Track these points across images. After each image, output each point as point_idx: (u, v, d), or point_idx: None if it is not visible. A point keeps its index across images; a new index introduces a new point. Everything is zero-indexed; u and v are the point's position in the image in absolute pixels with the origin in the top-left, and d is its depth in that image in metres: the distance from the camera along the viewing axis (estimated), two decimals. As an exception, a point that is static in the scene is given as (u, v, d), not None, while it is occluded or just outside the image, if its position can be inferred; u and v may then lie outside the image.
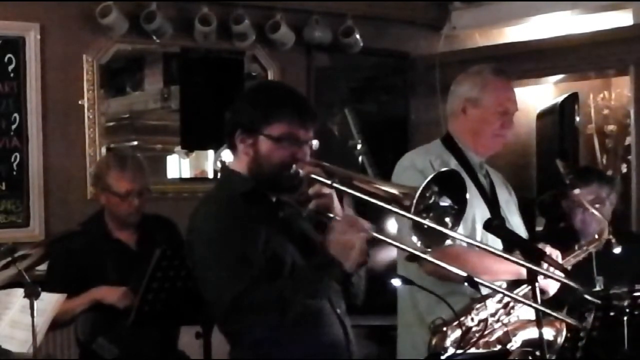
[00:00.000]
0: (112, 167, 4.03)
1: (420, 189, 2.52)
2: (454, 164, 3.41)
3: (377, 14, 6.20)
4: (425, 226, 2.54)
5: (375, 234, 2.61)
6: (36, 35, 5.13)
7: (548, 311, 2.64)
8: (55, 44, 5.22)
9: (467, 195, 2.64)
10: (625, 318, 3.18)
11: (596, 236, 3.67)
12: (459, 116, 3.52)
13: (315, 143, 2.78)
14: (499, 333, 3.13)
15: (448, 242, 3.18)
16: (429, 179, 2.56)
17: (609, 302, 3.21)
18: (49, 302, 3.45)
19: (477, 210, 3.36)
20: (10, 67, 5.09)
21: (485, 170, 3.58)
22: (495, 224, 2.86)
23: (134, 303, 3.65)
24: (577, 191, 3.77)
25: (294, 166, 2.72)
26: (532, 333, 3.07)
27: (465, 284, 2.69)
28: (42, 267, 3.94)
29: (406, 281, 2.74)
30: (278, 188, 2.78)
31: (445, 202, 2.59)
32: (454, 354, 2.65)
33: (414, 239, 2.55)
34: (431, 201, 2.58)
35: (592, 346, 3.28)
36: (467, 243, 3.23)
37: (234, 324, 2.64)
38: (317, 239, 2.81)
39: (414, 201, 2.51)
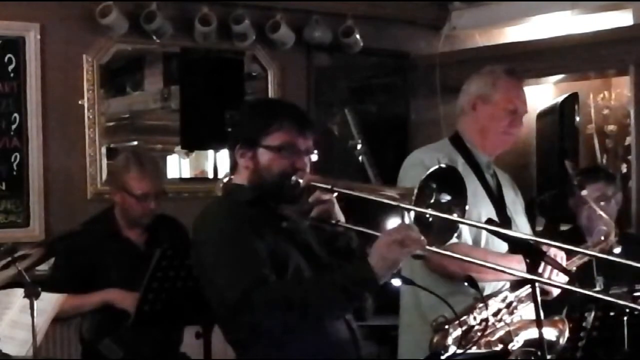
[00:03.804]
0: (131, 168, 3.96)
1: (417, 187, 2.52)
2: (461, 162, 3.42)
3: (377, 14, 6.20)
4: (430, 219, 2.53)
5: (428, 247, 2.54)
6: (36, 35, 5.13)
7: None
8: (55, 44, 5.22)
9: (467, 192, 2.63)
10: (625, 318, 3.18)
11: (602, 238, 3.65)
12: (469, 113, 3.54)
13: (314, 155, 2.79)
14: (501, 332, 3.13)
15: (454, 240, 3.20)
16: (424, 176, 2.55)
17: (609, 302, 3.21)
18: (49, 302, 3.45)
19: (483, 210, 3.37)
20: (10, 67, 5.09)
21: (493, 170, 3.59)
22: (494, 224, 2.84)
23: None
24: (584, 192, 3.77)
25: (293, 177, 2.72)
26: (534, 333, 3.04)
27: (465, 283, 2.69)
28: (42, 267, 3.94)
29: (406, 281, 2.73)
30: (279, 198, 2.78)
31: (445, 199, 2.58)
32: (454, 354, 2.64)
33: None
34: (432, 200, 2.57)
35: (592, 346, 3.29)
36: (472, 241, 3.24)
37: (241, 320, 2.58)
38: (321, 252, 2.81)
39: (413, 198, 2.50)
